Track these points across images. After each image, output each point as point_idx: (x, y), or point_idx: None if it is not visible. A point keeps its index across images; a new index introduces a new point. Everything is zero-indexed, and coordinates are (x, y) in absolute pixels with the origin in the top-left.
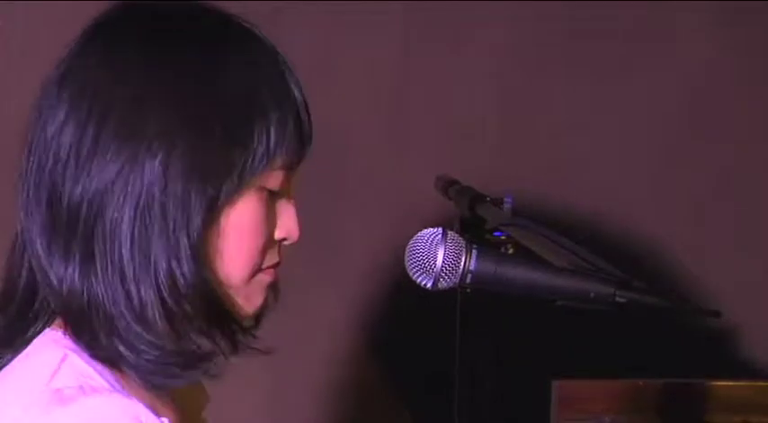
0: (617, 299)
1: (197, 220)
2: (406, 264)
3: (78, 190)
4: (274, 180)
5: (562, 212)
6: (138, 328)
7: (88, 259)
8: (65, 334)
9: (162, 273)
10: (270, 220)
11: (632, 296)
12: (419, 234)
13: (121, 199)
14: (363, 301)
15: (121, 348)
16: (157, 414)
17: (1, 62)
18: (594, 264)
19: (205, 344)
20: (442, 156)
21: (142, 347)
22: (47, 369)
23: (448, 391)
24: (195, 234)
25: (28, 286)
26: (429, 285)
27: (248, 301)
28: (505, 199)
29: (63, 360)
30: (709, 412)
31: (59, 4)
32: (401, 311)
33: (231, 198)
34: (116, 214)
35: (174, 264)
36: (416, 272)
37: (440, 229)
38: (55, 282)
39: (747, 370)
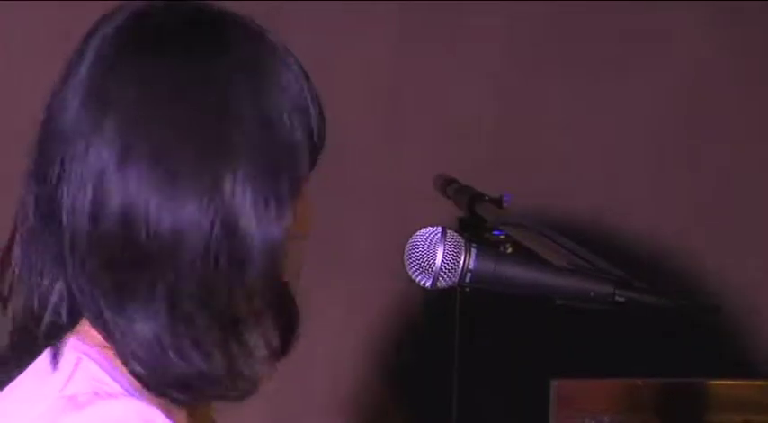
0: (616, 298)
1: (269, 243)
2: (406, 263)
3: (154, 231)
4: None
5: (561, 211)
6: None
7: (172, 296)
8: (84, 341)
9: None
10: (300, 215)
11: (631, 295)
12: (418, 233)
13: (198, 237)
14: (361, 300)
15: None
16: (172, 418)
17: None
18: (594, 263)
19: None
20: (439, 155)
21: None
22: (61, 375)
23: (448, 390)
24: (271, 253)
25: (42, 313)
26: (428, 284)
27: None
28: (504, 198)
29: (77, 365)
30: (710, 412)
31: (59, 5)
32: (400, 311)
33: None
34: (195, 250)
35: (258, 280)
36: (416, 271)
37: (439, 228)
38: (129, 326)
39: (748, 369)
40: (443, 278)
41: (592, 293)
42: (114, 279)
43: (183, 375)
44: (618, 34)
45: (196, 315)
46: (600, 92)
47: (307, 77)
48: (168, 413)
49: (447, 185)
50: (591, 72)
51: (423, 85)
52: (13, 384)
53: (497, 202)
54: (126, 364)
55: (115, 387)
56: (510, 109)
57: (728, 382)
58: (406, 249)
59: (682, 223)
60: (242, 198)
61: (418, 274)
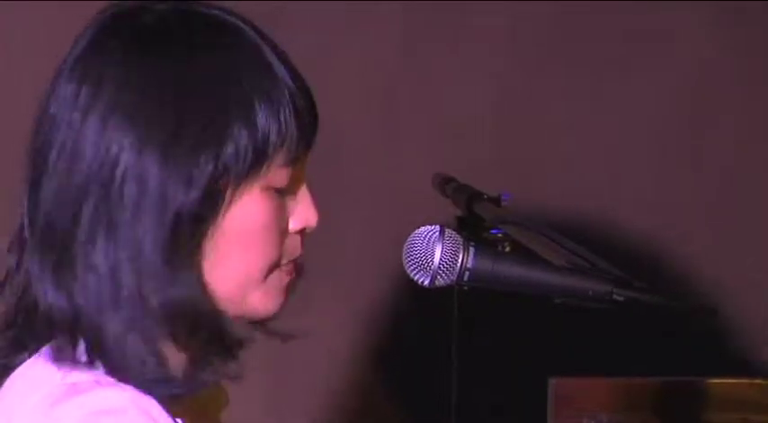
0: (615, 297)
1: (161, 233)
2: (404, 261)
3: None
4: (279, 178)
5: (560, 210)
6: (138, 345)
7: (71, 273)
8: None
9: (136, 292)
10: (282, 217)
11: (630, 294)
12: (416, 231)
13: (97, 207)
14: (360, 299)
15: (116, 362)
16: (173, 415)
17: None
18: (592, 262)
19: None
20: (438, 154)
21: (139, 361)
22: (63, 367)
23: (446, 389)
24: (161, 245)
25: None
26: (426, 283)
27: (263, 302)
28: (503, 197)
29: (80, 356)
30: (708, 410)
31: (60, 5)
32: (399, 310)
33: (220, 206)
34: (92, 229)
35: (148, 281)
36: (414, 269)
37: (437, 227)
38: (43, 298)
39: (748, 368)
40: (442, 276)
41: (590, 292)
42: (60, 245)
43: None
44: (621, 34)
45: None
46: (603, 92)
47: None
48: (169, 410)
49: (445, 184)
50: (594, 72)
51: (425, 84)
52: (16, 373)
53: (496, 201)
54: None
55: (113, 379)
56: (512, 108)
57: (727, 381)
58: (405, 248)
59: (685, 223)
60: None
61: (416, 273)
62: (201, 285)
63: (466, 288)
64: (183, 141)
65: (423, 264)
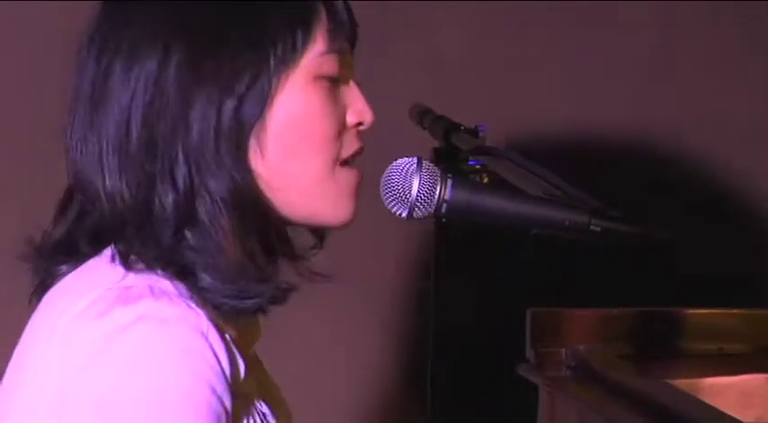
0: (592, 227)
1: (225, 123)
2: (382, 193)
3: (111, 120)
4: (328, 66)
5: (537, 140)
6: (207, 243)
7: (122, 181)
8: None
9: (208, 181)
10: (337, 107)
11: (607, 224)
12: (394, 164)
13: (137, 118)
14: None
15: (188, 259)
16: (222, 329)
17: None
18: (569, 192)
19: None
20: (416, 85)
21: (208, 260)
22: (118, 270)
23: (425, 326)
24: (227, 134)
25: (84, 229)
26: (404, 215)
27: (339, 204)
28: (480, 128)
29: (136, 264)
30: (685, 340)
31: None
32: (378, 242)
33: (269, 93)
34: (134, 136)
35: (182, 178)
36: (392, 201)
37: (414, 159)
38: (110, 207)
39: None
40: (419, 209)
41: (567, 223)
42: (141, 168)
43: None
44: None
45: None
46: (587, 25)
47: None
48: (220, 324)
49: (423, 115)
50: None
51: (407, 19)
52: (67, 279)
53: (473, 132)
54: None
55: (171, 288)
56: (492, 43)
57: (704, 311)
58: (382, 180)
59: (663, 151)
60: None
61: (394, 205)
62: (254, 180)
63: (444, 220)
64: (224, 46)
65: (400, 196)
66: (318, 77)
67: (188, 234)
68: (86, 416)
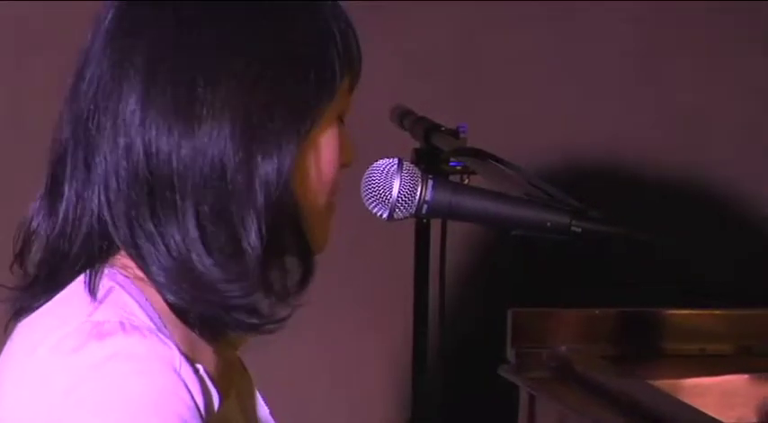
0: (573, 228)
1: (287, 155)
2: (362, 194)
3: (180, 154)
4: (345, 103)
5: (517, 142)
6: (233, 273)
7: (197, 213)
8: (121, 272)
9: (260, 211)
10: (344, 144)
11: (588, 226)
12: (374, 164)
13: (215, 152)
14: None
15: (208, 294)
16: (194, 359)
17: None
18: (550, 193)
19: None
20: (397, 87)
21: (233, 293)
22: (90, 302)
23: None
24: (287, 167)
25: (85, 243)
26: (385, 216)
27: (324, 230)
28: (460, 128)
29: (109, 292)
30: (667, 341)
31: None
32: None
33: (318, 127)
34: (213, 167)
35: (271, 200)
36: (372, 202)
37: (395, 160)
38: (162, 240)
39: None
40: (400, 209)
41: (548, 224)
42: (146, 205)
43: (205, 287)
44: None
45: (215, 232)
46: (567, 19)
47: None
48: (192, 350)
49: (403, 117)
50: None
51: (388, 20)
52: (42, 309)
53: (454, 133)
54: (158, 289)
55: (143, 319)
56: (473, 40)
57: (685, 312)
58: (363, 181)
59: (649, 150)
60: (237, 130)
61: (375, 206)
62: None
63: (425, 220)
64: (297, 78)
65: (381, 197)
66: (339, 114)
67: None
68: None
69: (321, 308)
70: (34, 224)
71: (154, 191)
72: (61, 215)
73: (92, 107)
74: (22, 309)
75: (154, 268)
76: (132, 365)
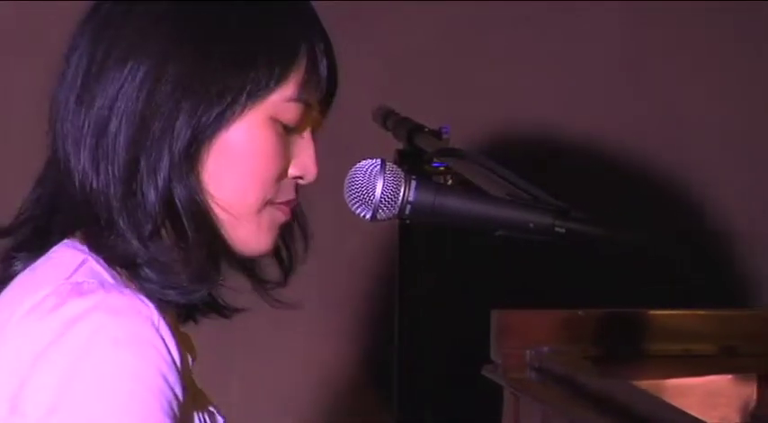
0: (556, 229)
1: (182, 137)
2: (345, 195)
3: (91, 112)
4: (289, 113)
5: (500, 142)
6: (143, 239)
7: (100, 165)
8: (83, 243)
9: (153, 186)
10: (283, 153)
11: (571, 226)
12: (357, 165)
13: (121, 109)
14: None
15: (133, 254)
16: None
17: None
18: (533, 194)
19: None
20: (379, 88)
21: (147, 256)
22: (68, 266)
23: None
24: (181, 150)
25: (50, 203)
26: (368, 217)
27: (253, 236)
28: (443, 129)
29: (83, 262)
30: (650, 341)
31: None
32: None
33: (228, 120)
34: (115, 125)
35: (162, 178)
36: (355, 203)
37: (378, 160)
38: (80, 185)
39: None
40: (383, 210)
41: (531, 224)
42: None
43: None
44: None
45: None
46: (548, 19)
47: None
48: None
49: (386, 117)
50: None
51: (371, 20)
52: (18, 278)
53: (437, 134)
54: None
55: (118, 283)
56: (457, 41)
57: (668, 312)
58: (346, 182)
59: (630, 147)
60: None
61: (358, 207)
62: (200, 188)
63: (408, 221)
64: (206, 64)
65: (364, 197)
66: (275, 120)
67: (163, 231)
68: (44, 401)
69: (304, 308)
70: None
71: (86, 147)
72: (41, 188)
73: (76, 85)
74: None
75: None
76: (113, 317)
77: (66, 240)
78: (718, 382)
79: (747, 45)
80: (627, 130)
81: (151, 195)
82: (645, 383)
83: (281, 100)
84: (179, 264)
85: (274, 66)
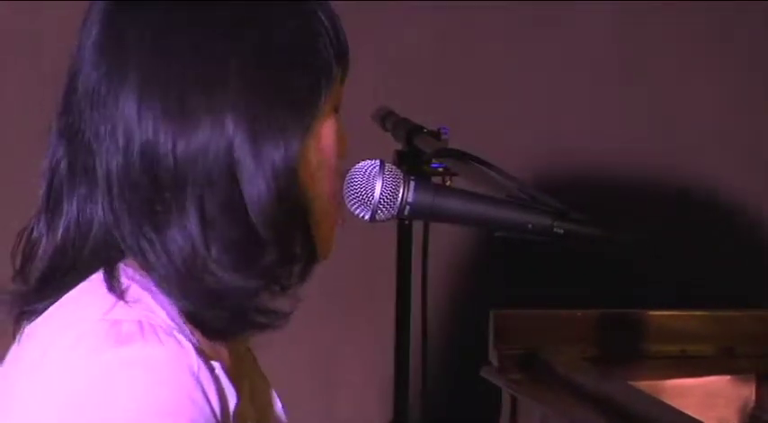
0: (555, 230)
1: (293, 144)
2: (344, 195)
3: (180, 152)
4: (338, 93)
5: (499, 143)
6: (238, 274)
7: (201, 211)
8: (136, 270)
9: (270, 197)
10: (340, 134)
11: (570, 227)
12: (356, 166)
13: (219, 148)
14: None
15: (216, 295)
16: (210, 356)
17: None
18: (532, 194)
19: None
20: (378, 88)
21: (236, 293)
22: (107, 299)
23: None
24: (293, 156)
25: (95, 250)
26: (367, 217)
27: (330, 224)
28: (442, 130)
29: (127, 288)
30: (647, 342)
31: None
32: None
33: (319, 117)
34: (217, 163)
35: (280, 188)
36: (354, 204)
37: (377, 161)
38: (165, 243)
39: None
40: (382, 211)
41: (530, 225)
42: (148, 206)
43: (217, 293)
44: None
45: (223, 230)
46: (543, 23)
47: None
48: (210, 348)
49: (385, 118)
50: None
51: (370, 21)
52: (52, 309)
53: (436, 135)
54: (165, 291)
55: (162, 317)
56: (456, 42)
57: (666, 313)
58: (345, 183)
59: (622, 151)
60: (240, 128)
61: (357, 207)
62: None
63: (407, 222)
64: (291, 74)
65: (363, 198)
66: (335, 107)
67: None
68: None
69: (302, 310)
70: (34, 239)
71: (153, 194)
72: (61, 231)
73: (86, 117)
74: (28, 312)
75: (158, 276)
76: (149, 376)
77: (121, 264)
78: (717, 382)
79: (743, 45)
80: (625, 131)
81: (265, 206)
82: (643, 384)
83: (337, 86)
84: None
85: (331, 53)
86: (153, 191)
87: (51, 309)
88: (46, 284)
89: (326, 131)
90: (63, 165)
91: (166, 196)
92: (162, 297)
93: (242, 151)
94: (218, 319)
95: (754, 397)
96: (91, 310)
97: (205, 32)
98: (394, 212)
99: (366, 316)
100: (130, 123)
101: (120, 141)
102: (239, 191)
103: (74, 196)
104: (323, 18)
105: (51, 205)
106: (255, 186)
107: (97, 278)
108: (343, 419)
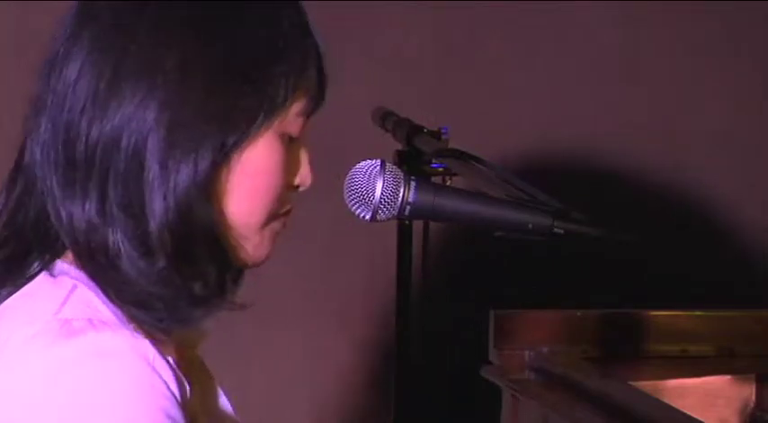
0: (555, 229)
1: (205, 161)
2: (345, 195)
3: (96, 132)
4: (295, 125)
5: (499, 143)
6: (143, 264)
7: (103, 196)
8: (75, 266)
9: (170, 211)
10: (289, 165)
11: (570, 227)
12: (357, 166)
13: (132, 139)
14: (302, 232)
15: (128, 284)
16: (162, 354)
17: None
18: (532, 194)
19: (197, 288)
20: (378, 88)
21: (147, 285)
22: (55, 299)
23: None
24: (203, 174)
25: (35, 223)
26: (367, 217)
27: (258, 248)
28: (443, 130)
29: (72, 290)
30: (648, 342)
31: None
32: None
33: (247, 140)
34: (127, 153)
35: (181, 202)
36: (355, 204)
37: (378, 161)
38: (70, 219)
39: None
40: (383, 211)
41: (530, 225)
42: (63, 179)
43: (137, 283)
44: None
45: (120, 223)
46: (539, 24)
47: (294, 24)
48: (159, 345)
49: (385, 118)
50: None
51: (370, 21)
52: (8, 303)
53: (436, 135)
54: (99, 286)
55: (109, 315)
56: (456, 41)
57: (667, 313)
58: (346, 183)
59: (626, 150)
60: (157, 130)
61: (357, 207)
62: (218, 209)
63: (407, 222)
64: (226, 86)
65: (364, 198)
66: (284, 134)
67: (143, 263)
68: None
69: (303, 308)
70: None
71: (70, 171)
72: (12, 204)
73: (45, 84)
74: None
75: (87, 271)
76: (108, 362)
77: (55, 261)
78: (717, 382)
79: (744, 45)
80: (624, 131)
81: (164, 218)
82: (643, 384)
83: (293, 115)
84: (183, 290)
85: (288, 81)
86: (68, 167)
87: (6, 304)
88: (11, 267)
89: (261, 161)
90: (28, 143)
91: (77, 175)
92: (104, 296)
93: (152, 156)
94: (154, 311)
95: (754, 397)
96: (42, 310)
97: (168, 18)
98: (395, 212)
99: (366, 316)
100: (64, 99)
101: (55, 115)
102: (141, 193)
103: (26, 168)
104: (297, 45)
105: (12, 175)
106: (157, 196)
107: (44, 278)
108: (343, 419)
